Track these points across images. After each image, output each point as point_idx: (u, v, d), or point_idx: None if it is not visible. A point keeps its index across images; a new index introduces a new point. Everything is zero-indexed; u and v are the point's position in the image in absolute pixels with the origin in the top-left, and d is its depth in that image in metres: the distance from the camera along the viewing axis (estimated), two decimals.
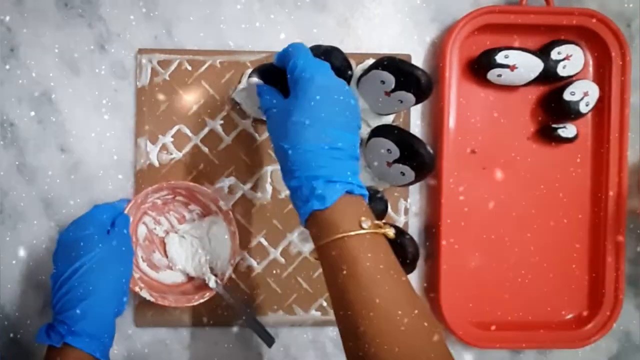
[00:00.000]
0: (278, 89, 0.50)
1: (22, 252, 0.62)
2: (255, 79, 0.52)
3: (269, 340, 0.60)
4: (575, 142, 0.64)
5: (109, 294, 0.51)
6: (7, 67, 0.61)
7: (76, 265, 0.50)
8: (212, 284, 0.59)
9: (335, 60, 0.54)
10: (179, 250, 0.61)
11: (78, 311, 0.49)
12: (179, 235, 0.62)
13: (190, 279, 0.62)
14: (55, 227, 0.62)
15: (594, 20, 0.62)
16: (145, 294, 0.57)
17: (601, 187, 0.64)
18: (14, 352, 0.62)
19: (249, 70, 0.61)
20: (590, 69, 0.64)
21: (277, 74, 0.50)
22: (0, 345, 0.62)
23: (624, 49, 0.62)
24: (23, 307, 0.62)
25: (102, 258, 0.51)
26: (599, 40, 0.63)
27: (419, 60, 0.64)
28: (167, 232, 0.62)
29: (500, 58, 0.60)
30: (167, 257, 0.62)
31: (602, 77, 0.63)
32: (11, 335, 0.62)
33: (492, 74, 0.61)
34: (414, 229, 0.64)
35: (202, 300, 0.58)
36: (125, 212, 0.56)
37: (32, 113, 0.61)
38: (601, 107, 0.63)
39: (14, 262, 0.62)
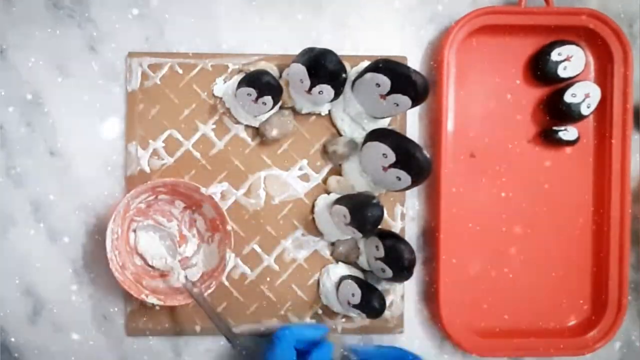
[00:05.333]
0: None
1: (10, 256, 0.61)
2: None
3: (235, 342, 0.57)
4: (576, 145, 0.63)
5: None
6: None
7: None
8: (181, 279, 0.58)
9: (329, 63, 0.53)
10: (148, 243, 0.61)
11: None
12: (146, 228, 0.61)
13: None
14: (44, 231, 0.61)
15: (595, 21, 0.61)
16: (152, 299, 0.57)
17: (604, 190, 0.63)
18: (3, 358, 0.61)
19: (237, 77, 0.60)
20: (592, 70, 0.64)
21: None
22: None
23: (626, 49, 0.61)
24: (13, 312, 0.61)
25: None
26: (600, 41, 0.62)
27: (415, 62, 0.63)
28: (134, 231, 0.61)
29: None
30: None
31: (603, 79, 0.63)
32: (0, 340, 0.61)
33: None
34: (411, 235, 0.63)
35: (209, 291, 0.57)
36: (111, 225, 0.55)
37: (21, 115, 0.61)
38: (603, 108, 0.62)
39: (2, 266, 0.61)
